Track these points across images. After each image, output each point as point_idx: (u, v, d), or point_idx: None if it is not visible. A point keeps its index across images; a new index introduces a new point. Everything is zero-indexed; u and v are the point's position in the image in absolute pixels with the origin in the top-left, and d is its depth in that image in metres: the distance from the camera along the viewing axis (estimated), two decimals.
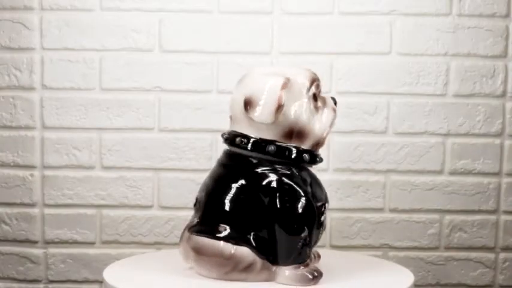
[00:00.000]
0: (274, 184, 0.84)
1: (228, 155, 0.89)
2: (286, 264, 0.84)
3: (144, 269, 0.92)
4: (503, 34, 1.23)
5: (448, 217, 1.25)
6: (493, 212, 1.25)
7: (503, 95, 1.24)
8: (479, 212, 1.25)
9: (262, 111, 0.83)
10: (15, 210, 1.24)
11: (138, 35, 1.22)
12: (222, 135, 0.89)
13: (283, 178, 0.84)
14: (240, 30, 1.22)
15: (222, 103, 1.20)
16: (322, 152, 1.22)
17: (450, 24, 1.23)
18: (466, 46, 1.23)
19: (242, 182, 0.85)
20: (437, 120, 1.24)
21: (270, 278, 0.84)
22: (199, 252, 0.85)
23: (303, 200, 0.83)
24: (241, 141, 0.86)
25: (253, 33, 1.22)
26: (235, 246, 0.83)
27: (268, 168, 0.85)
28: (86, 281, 1.25)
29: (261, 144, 0.85)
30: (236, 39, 1.22)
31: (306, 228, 0.83)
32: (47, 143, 1.23)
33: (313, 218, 0.84)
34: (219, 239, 0.83)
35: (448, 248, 1.26)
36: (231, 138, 0.87)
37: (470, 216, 1.25)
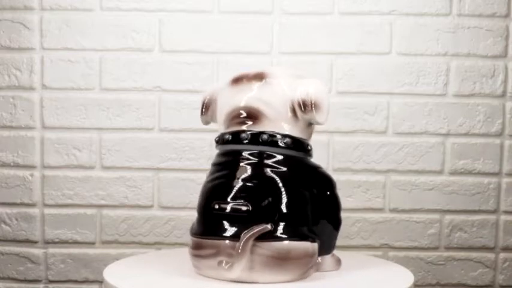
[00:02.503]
0: (324, 178, 0.89)
1: (276, 156, 0.86)
2: (328, 253, 0.90)
3: (144, 269, 0.92)
4: (503, 34, 1.23)
5: (448, 217, 1.25)
6: (493, 212, 1.25)
7: (503, 95, 1.24)
8: (479, 212, 1.25)
9: (325, 113, 0.87)
10: (15, 210, 1.24)
11: (138, 35, 1.22)
12: (272, 136, 0.85)
13: (324, 172, 0.90)
14: (240, 30, 1.22)
15: None
16: (322, 151, 1.22)
17: (450, 24, 1.23)
18: (466, 46, 1.23)
19: (304, 181, 0.86)
20: (437, 120, 1.24)
21: (318, 269, 0.89)
22: (286, 257, 0.81)
23: (337, 191, 0.90)
24: (292, 142, 0.86)
25: (253, 33, 1.22)
26: (313, 244, 0.83)
27: (313, 164, 0.89)
28: (86, 281, 1.25)
29: (303, 143, 0.88)
30: (236, 39, 1.22)
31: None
32: (47, 143, 1.23)
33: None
34: (306, 239, 0.82)
35: (448, 248, 1.26)
36: (291, 141, 0.86)
37: (470, 216, 1.25)
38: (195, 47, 1.22)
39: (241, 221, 0.81)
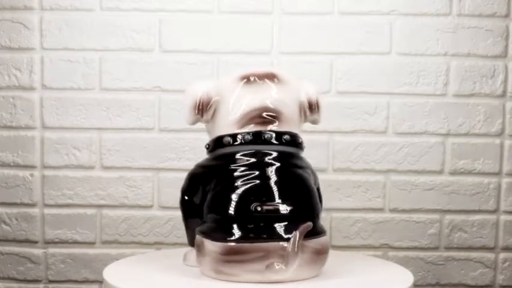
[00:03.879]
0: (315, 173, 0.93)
1: (298, 156, 0.90)
2: None
3: (144, 269, 0.92)
4: (503, 34, 1.23)
5: (448, 217, 1.25)
6: (493, 212, 1.25)
7: (503, 95, 1.24)
8: (479, 212, 1.25)
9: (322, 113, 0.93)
10: (15, 210, 1.24)
11: (138, 35, 1.22)
12: (294, 136, 0.88)
13: None
14: (240, 30, 1.22)
15: None
16: (322, 151, 1.23)
17: (450, 24, 1.23)
18: (466, 46, 1.23)
19: (315, 178, 0.91)
20: (437, 120, 1.24)
21: None
22: (325, 251, 0.85)
23: None
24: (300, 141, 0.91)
25: (253, 33, 1.22)
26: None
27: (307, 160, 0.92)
28: (86, 281, 1.25)
29: (302, 142, 0.91)
30: (236, 39, 1.22)
31: None
32: (47, 143, 1.23)
33: None
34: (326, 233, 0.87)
35: (448, 248, 1.26)
36: (302, 141, 0.91)
37: (470, 216, 1.25)
38: (195, 47, 1.22)
39: (286, 220, 0.81)
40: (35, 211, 1.24)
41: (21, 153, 1.23)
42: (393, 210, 1.25)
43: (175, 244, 1.24)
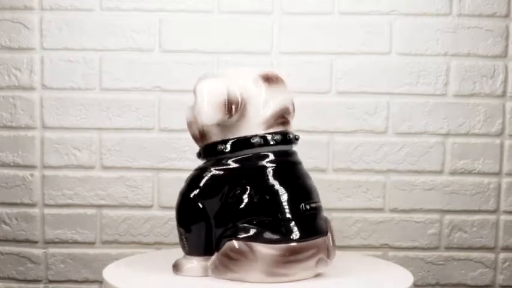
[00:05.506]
0: None
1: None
2: None
3: (144, 269, 0.92)
4: (503, 34, 1.23)
5: (448, 217, 1.25)
6: (493, 212, 1.25)
7: (503, 95, 1.24)
8: (479, 212, 1.25)
9: None
10: (15, 210, 1.24)
11: (138, 35, 1.22)
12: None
13: None
14: (240, 30, 1.22)
15: None
16: (321, 151, 1.23)
17: (450, 24, 1.23)
18: (466, 46, 1.23)
19: None
20: (437, 120, 1.24)
21: None
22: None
23: None
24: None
25: (253, 33, 1.22)
26: None
27: None
28: (86, 281, 1.25)
29: None
30: (236, 39, 1.22)
31: None
32: (47, 143, 1.23)
33: None
34: None
35: (448, 248, 1.26)
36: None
37: (470, 216, 1.25)
38: (195, 47, 1.22)
39: (321, 215, 0.87)
40: (35, 211, 1.24)
41: (21, 153, 1.23)
42: (393, 210, 1.25)
43: (175, 244, 1.23)
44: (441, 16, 1.23)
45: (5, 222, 1.24)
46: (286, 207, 0.83)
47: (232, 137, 0.86)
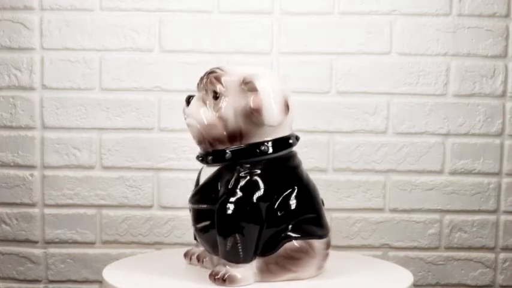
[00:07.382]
0: None
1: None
2: None
3: (144, 269, 0.92)
4: (503, 34, 1.23)
5: (448, 217, 1.25)
6: (493, 212, 1.25)
7: (503, 95, 1.24)
8: (479, 212, 1.25)
9: None
10: (15, 210, 1.24)
11: (138, 35, 1.22)
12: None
13: None
14: (240, 30, 1.22)
15: None
16: (321, 151, 1.23)
17: (450, 24, 1.23)
18: (466, 46, 1.23)
19: None
20: (437, 120, 1.24)
21: None
22: None
23: None
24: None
25: (253, 33, 1.22)
26: None
27: None
28: (86, 281, 1.25)
29: None
30: (236, 39, 1.22)
31: None
32: (47, 143, 1.23)
33: None
34: None
35: (448, 248, 1.26)
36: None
37: (470, 216, 1.25)
38: (195, 47, 1.22)
39: None
40: (35, 211, 1.24)
41: (21, 153, 1.23)
42: (393, 210, 1.25)
43: (175, 244, 1.24)
44: (441, 16, 1.23)
45: (5, 222, 1.24)
46: (321, 202, 0.89)
47: (270, 138, 0.85)
